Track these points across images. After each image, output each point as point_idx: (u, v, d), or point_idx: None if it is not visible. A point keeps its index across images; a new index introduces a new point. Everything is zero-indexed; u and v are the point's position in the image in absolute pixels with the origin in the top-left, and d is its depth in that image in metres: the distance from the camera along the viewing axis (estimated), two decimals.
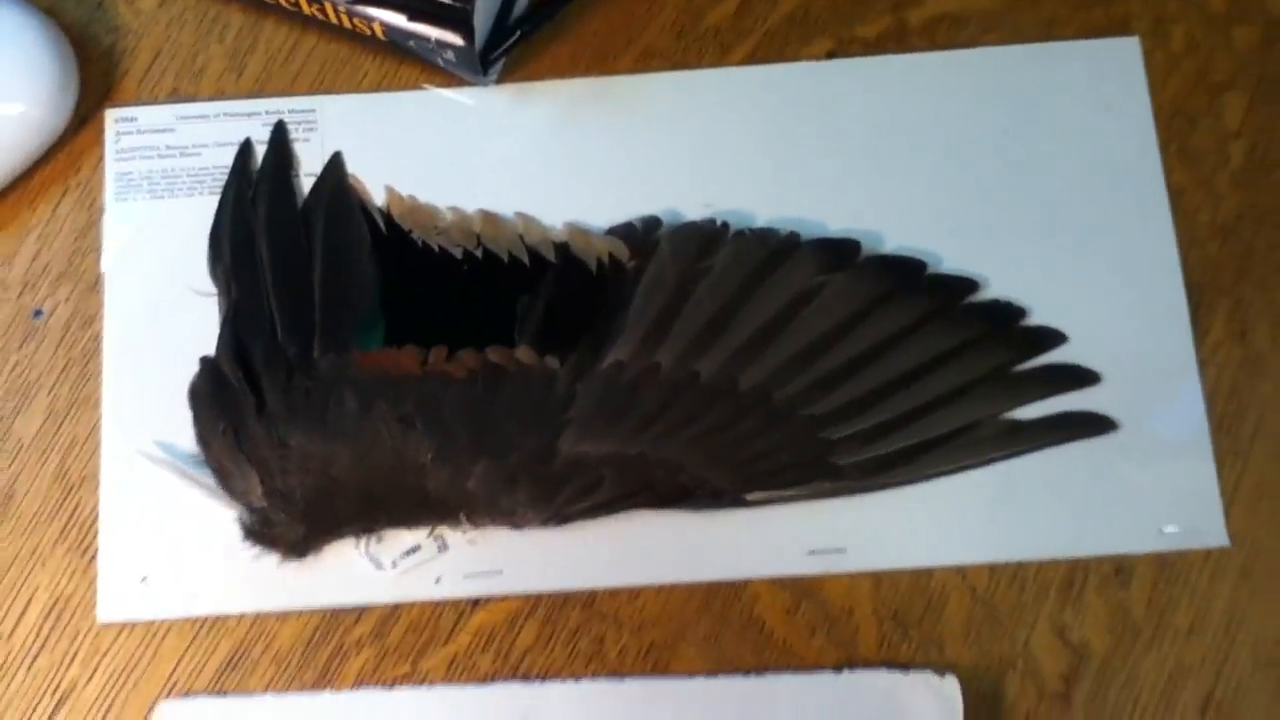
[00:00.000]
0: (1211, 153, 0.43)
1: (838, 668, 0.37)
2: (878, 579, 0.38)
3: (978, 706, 0.36)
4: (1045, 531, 0.38)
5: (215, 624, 0.38)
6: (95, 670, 0.38)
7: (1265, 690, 0.37)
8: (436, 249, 0.42)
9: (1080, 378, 0.39)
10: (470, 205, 0.43)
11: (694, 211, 0.42)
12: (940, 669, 0.36)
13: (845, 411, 0.38)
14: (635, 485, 0.38)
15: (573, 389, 0.39)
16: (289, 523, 0.38)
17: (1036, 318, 0.40)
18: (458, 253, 0.42)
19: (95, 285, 0.42)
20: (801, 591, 0.38)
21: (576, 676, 0.37)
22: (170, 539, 0.39)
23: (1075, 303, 0.40)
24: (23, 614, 0.39)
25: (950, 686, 0.36)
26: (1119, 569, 0.38)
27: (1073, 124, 0.43)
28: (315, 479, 0.38)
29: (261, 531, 0.38)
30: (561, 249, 0.41)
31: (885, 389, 0.38)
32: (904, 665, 0.36)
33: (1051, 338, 0.40)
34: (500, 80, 0.45)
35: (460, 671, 0.38)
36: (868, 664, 0.37)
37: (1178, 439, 0.39)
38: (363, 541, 0.39)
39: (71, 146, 0.43)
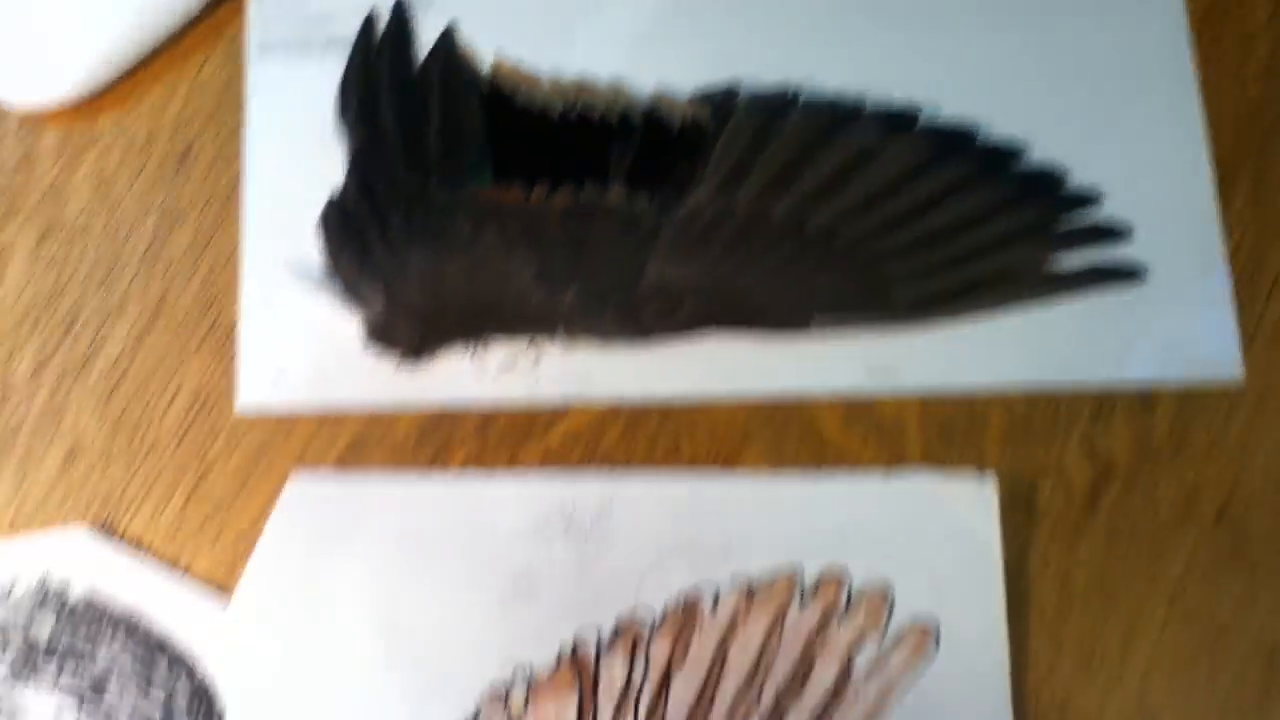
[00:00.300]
0: (1239, 47, 0.47)
1: (886, 469, 0.42)
2: (926, 400, 0.43)
3: (1012, 508, 0.41)
4: (1080, 363, 0.42)
5: (339, 417, 0.44)
6: (234, 451, 0.44)
7: (1274, 505, 0.41)
8: (537, 107, 0.47)
9: (1114, 233, 0.44)
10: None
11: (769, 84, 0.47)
12: (980, 471, 0.41)
13: (901, 252, 0.43)
14: (711, 308, 0.43)
15: (657, 224, 0.43)
16: (407, 330, 0.44)
17: (1075, 182, 0.45)
18: (556, 109, 0.47)
19: (237, 131, 0.48)
20: (857, 407, 0.43)
21: (654, 469, 0.43)
22: (301, 342, 0.44)
23: (1111, 173, 0.44)
24: (171, 404, 0.44)
25: (988, 486, 0.41)
26: (1143, 397, 0.42)
27: (1113, 20, 0.48)
28: (431, 292, 0.43)
29: (382, 337, 0.44)
30: (648, 109, 0.46)
31: (937, 235, 0.43)
32: (946, 469, 0.41)
33: (1089, 198, 0.44)
34: None
35: (553, 462, 0.43)
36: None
37: (1201, 289, 0.43)
38: (470, 349, 0.44)
39: (220, 11, 0.50)
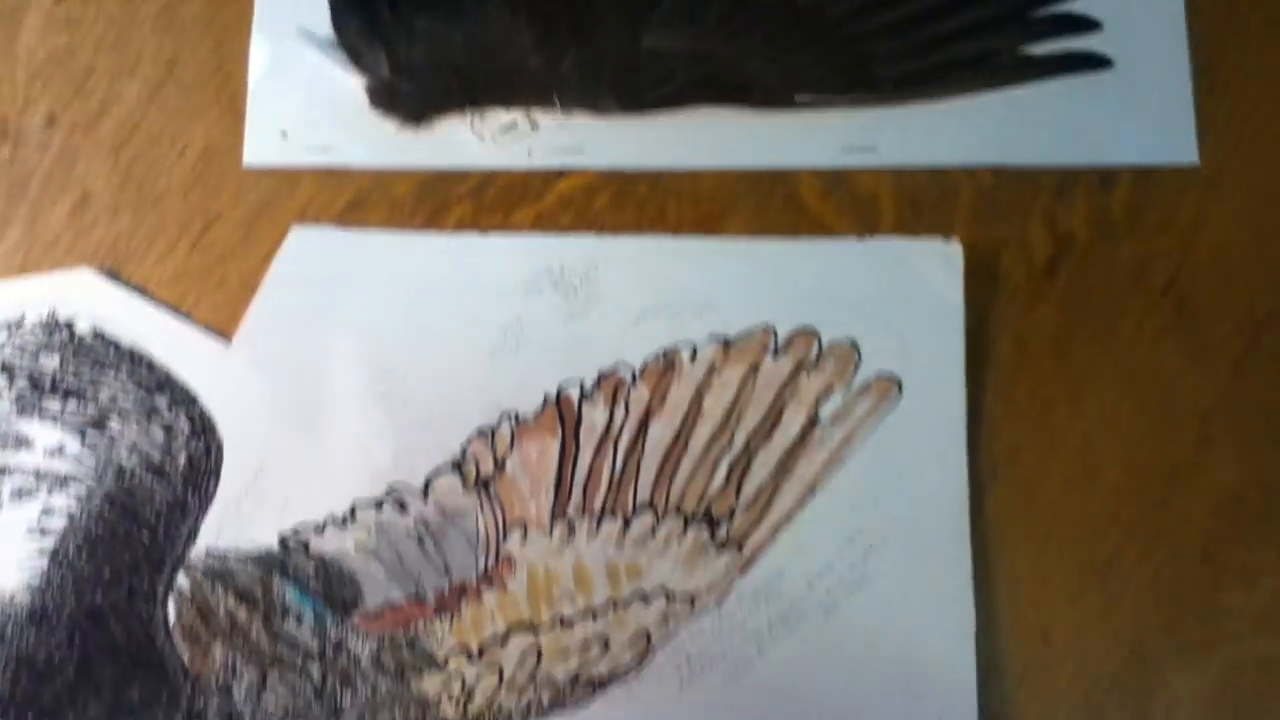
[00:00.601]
0: None
1: (860, 236, 0.44)
2: (900, 174, 0.45)
3: (976, 275, 0.43)
4: (1045, 142, 0.45)
5: (341, 175, 0.46)
6: (239, 203, 0.45)
7: (1218, 279, 0.43)
8: None
9: (1084, 23, 0.46)
10: None
11: None
12: (947, 237, 0.43)
13: (884, 32, 0.45)
14: (702, 80, 0.45)
15: None
16: (409, 93, 0.45)
17: None
18: None
19: None
20: (835, 181, 0.45)
21: (640, 234, 0.45)
22: (307, 103, 0.46)
23: None
24: (180, 157, 0.46)
25: (954, 250, 0.43)
26: (1103, 177, 0.44)
27: None
28: (434, 58, 0.45)
29: (385, 100, 0.46)
30: None
31: (920, 17, 0.45)
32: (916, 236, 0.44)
33: None
34: None
35: (544, 225, 0.45)
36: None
37: (1164, 79, 0.45)
38: (469, 116, 0.46)
39: None
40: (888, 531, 0.42)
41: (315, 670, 0.43)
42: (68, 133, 0.46)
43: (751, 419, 0.44)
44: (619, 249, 0.45)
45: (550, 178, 0.46)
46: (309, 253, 0.45)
